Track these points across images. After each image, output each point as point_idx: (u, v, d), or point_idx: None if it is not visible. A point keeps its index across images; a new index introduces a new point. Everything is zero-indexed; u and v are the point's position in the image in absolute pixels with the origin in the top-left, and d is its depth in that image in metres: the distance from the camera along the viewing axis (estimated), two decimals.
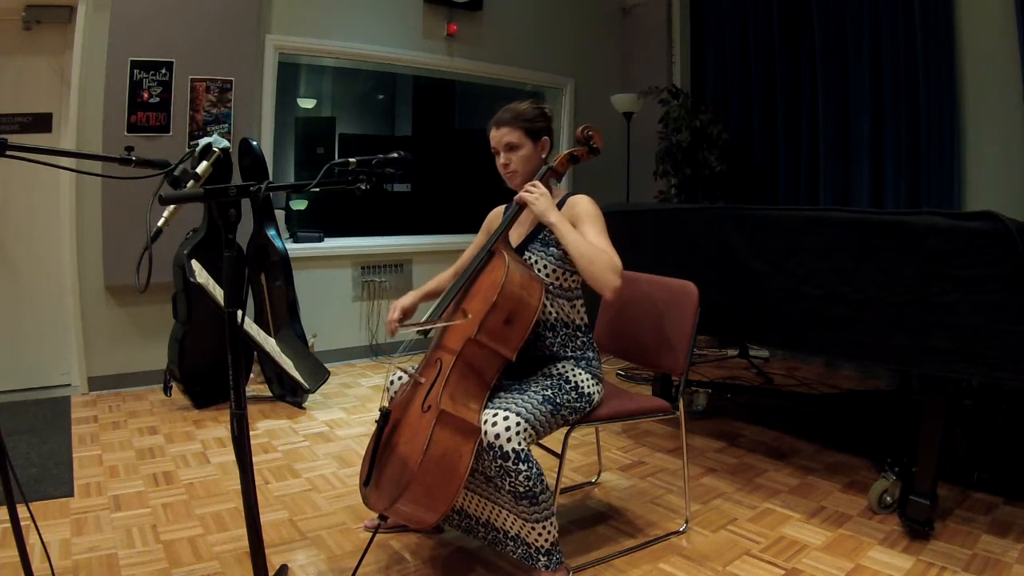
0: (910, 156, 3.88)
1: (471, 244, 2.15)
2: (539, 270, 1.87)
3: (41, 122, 3.46)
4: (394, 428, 1.75)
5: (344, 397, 3.61)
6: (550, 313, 1.89)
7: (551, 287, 1.88)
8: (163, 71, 3.55)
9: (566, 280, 1.90)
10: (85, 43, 3.39)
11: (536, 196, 1.79)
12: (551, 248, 1.88)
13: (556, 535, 1.71)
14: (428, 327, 1.79)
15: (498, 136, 1.89)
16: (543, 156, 1.92)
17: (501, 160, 1.92)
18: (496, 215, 2.12)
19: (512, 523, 1.72)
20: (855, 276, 2.06)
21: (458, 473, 1.61)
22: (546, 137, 1.92)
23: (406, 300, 1.99)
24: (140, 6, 3.46)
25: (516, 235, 1.96)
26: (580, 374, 1.87)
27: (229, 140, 3.57)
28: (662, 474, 2.63)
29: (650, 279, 2.22)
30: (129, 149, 1.39)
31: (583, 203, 1.86)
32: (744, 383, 3.82)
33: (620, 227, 2.10)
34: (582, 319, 1.95)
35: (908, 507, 2.06)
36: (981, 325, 1.80)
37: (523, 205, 1.84)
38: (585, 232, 1.79)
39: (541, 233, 1.91)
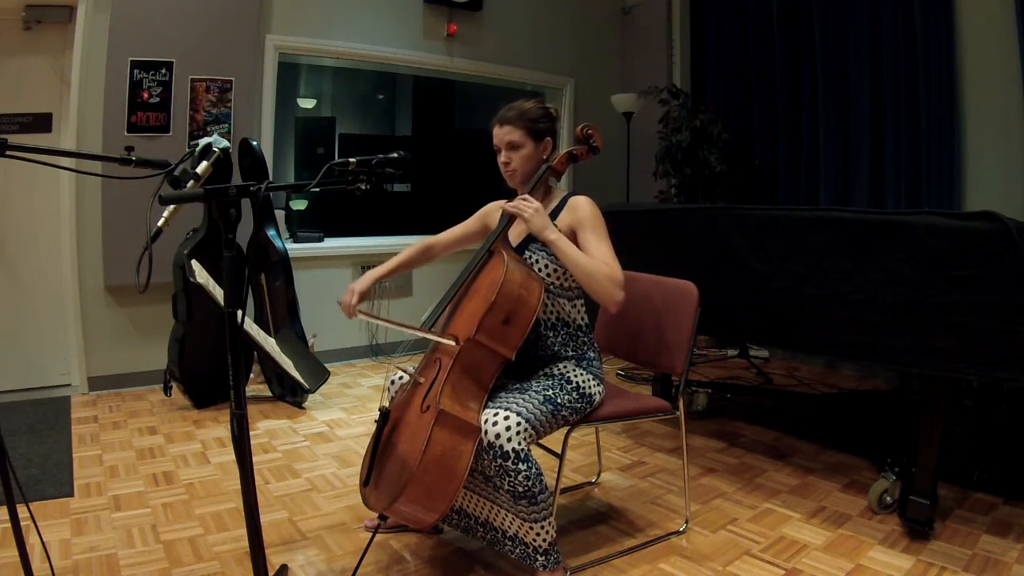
0: (910, 156, 3.87)
1: (458, 225, 2.14)
2: (539, 270, 1.87)
3: (41, 122, 3.46)
4: (394, 428, 1.75)
5: (344, 397, 3.61)
6: (551, 313, 1.89)
7: (551, 287, 1.88)
8: (163, 71, 3.55)
9: (566, 280, 1.89)
10: (85, 43, 3.39)
11: (531, 214, 1.76)
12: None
13: (554, 535, 1.71)
14: (417, 334, 1.75)
15: (500, 134, 1.89)
16: (544, 157, 1.92)
17: (502, 158, 1.91)
18: (495, 207, 2.10)
19: (511, 523, 1.72)
20: (855, 276, 2.06)
21: (457, 473, 1.61)
22: (549, 138, 1.92)
23: (362, 283, 1.93)
24: (140, 6, 3.46)
25: (516, 234, 1.96)
26: (581, 374, 1.87)
27: (229, 140, 3.57)
28: (662, 474, 2.63)
29: (650, 279, 2.22)
30: (129, 149, 1.39)
31: (584, 207, 1.85)
32: (744, 383, 3.82)
33: (620, 227, 2.10)
34: (583, 319, 1.94)
35: (908, 507, 2.07)
36: (981, 325, 1.80)
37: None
38: (587, 240, 1.78)
39: None
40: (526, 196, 1.81)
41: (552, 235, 1.74)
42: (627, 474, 2.63)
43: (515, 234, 1.96)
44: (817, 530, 2.14)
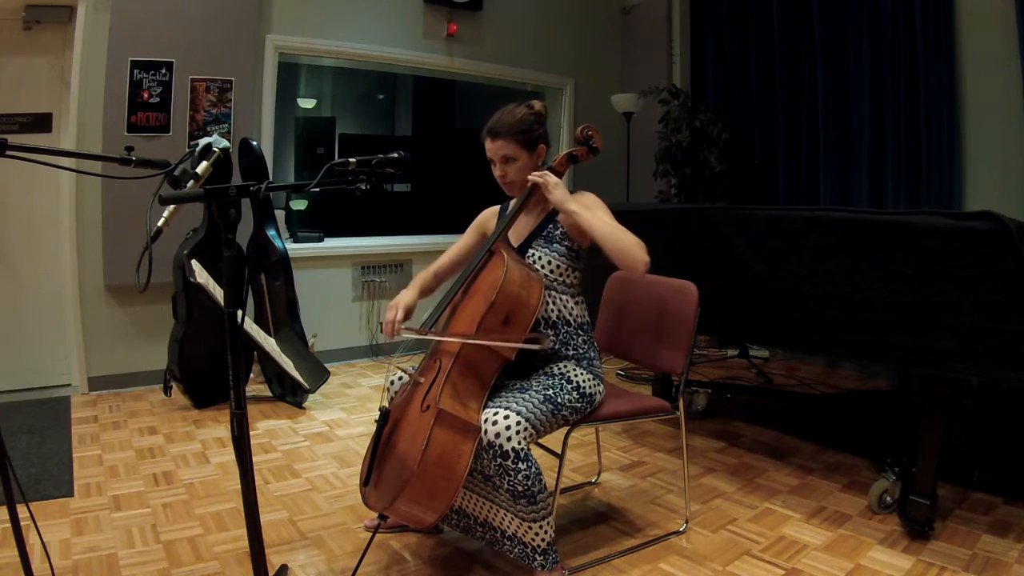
0: (910, 156, 3.87)
1: (456, 243, 2.12)
2: (543, 266, 1.88)
3: (41, 122, 3.46)
4: (394, 428, 1.75)
5: (344, 397, 3.61)
6: (552, 310, 1.89)
7: (555, 283, 1.88)
8: (163, 71, 3.55)
9: (569, 276, 1.90)
10: (85, 43, 3.39)
11: (552, 186, 1.78)
12: (555, 244, 1.89)
13: (553, 535, 1.71)
14: (428, 338, 1.76)
15: (494, 148, 1.88)
16: (540, 163, 1.92)
17: (497, 172, 1.91)
18: (489, 214, 2.11)
19: (509, 522, 1.72)
20: (855, 276, 2.06)
21: (457, 472, 1.61)
22: (543, 145, 1.92)
23: (408, 298, 1.92)
24: (140, 6, 3.46)
25: (516, 235, 1.96)
26: (581, 374, 1.87)
27: (229, 140, 3.58)
28: (662, 474, 2.63)
29: (650, 279, 2.22)
30: (129, 149, 1.39)
31: (589, 195, 1.88)
32: (744, 383, 3.82)
33: None
34: (583, 318, 1.95)
35: (908, 507, 2.07)
36: (981, 325, 1.80)
37: (530, 194, 1.85)
38: (600, 218, 1.80)
39: (545, 230, 1.92)
40: (544, 173, 1.82)
41: (573, 205, 1.77)
42: (627, 474, 2.63)
43: (515, 235, 1.96)
44: (817, 530, 2.14)
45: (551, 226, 1.92)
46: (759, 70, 4.82)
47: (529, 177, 1.84)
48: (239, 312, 1.35)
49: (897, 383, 3.67)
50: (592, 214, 1.77)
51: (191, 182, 1.44)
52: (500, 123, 1.87)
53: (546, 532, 1.68)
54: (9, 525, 1.31)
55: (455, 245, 2.12)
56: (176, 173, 1.41)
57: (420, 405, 1.68)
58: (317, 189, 1.42)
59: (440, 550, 2.01)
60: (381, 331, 1.87)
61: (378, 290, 4.48)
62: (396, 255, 4.57)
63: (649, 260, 1.72)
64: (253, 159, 3.50)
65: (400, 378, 1.94)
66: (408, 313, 1.90)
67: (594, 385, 1.88)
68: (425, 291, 2.06)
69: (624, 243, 1.72)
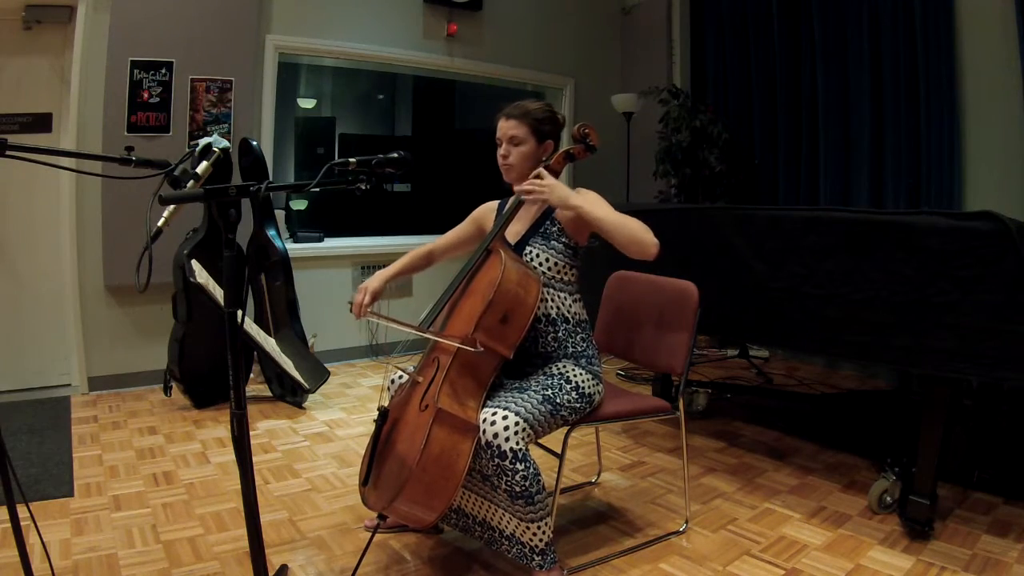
0: (910, 156, 3.87)
1: (452, 229, 2.14)
2: (541, 263, 1.88)
3: (41, 122, 3.46)
4: (393, 427, 1.76)
5: (344, 397, 3.61)
6: (551, 307, 1.89)
7: (552, 280, 1.88)
8: (163, 71, 3.55)
9: (567, 273, 1.90)
10: (85, 43, 3.39)
11: (547, 188, 1.76)
12: (552, 241, 1.89)
13: (551, 535, 1.71)
14: (391, 325, 1.77)
15: (505, 127, 1.90)
16: (543, 158, 1.92)
17: (501, 151, 1.92)
18: (488, 209, 2.11)
19: (508, 522, 1.72)
20: (855, 276, 2.05)
21: (456, 471, 1.61)
22: (551, 141, 1.93)
23: (376, 284, 1.96)
24: (140, 6, 3.46)
25: (514, 232, 1.96)
26: (581, 374, 1.87)
27: (229, 140, 3.58)
28: (662, 474, 2.63)
29: (650, 279, 2.22)
30: (129, 149, 1.39)
31: (589, 192, 1.86)
32: (744, 383, 3.82)
33: None
34: (582, 315, 1.94)
35: (908, 507, 2.06)
36: (981, 325, 1.80)
37: (522, 200, 1.84)
38: (605, 209, 1.80)
39: (542, 227, 1.92)
40: (539, 172, 1.80)
41: (576, 200, 1.75)
42: (627, 474, 2.63)
43: (512, 232, 1.96)
44: (817, 530, 2.14)
45: (548, 223, 1.92)
46: (759, 70, 4.81)
47: (518, 190, 1.82)
48: (239, 312, 1.35)
49: (897, 383, 3.67)
50: (595, 208, 1.77)
51: (191, 182, 1.44)
52: (518, 106, 1.91)
53: (544, 532, 1.68)
54: (9, 525, 1.31)
55: (452, 231, 2.16)
56: (176, 173, 1.41)
57: (419, 404, 1.68)
58: (317, 189, 1.43)
59: (440, 550, 2.01)
60: (351, 311, 1.94)
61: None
62: (396, 255, 4.50)
63: (658, 244, 1.73)
64: (253, 159, 3.50)
65: (400, 377, 1.94)
66: (375, 297, 1.94)
67: (593, 385, 1.88)
68: (411, 270, 2.12)
69: (632, 229, 1.72)
